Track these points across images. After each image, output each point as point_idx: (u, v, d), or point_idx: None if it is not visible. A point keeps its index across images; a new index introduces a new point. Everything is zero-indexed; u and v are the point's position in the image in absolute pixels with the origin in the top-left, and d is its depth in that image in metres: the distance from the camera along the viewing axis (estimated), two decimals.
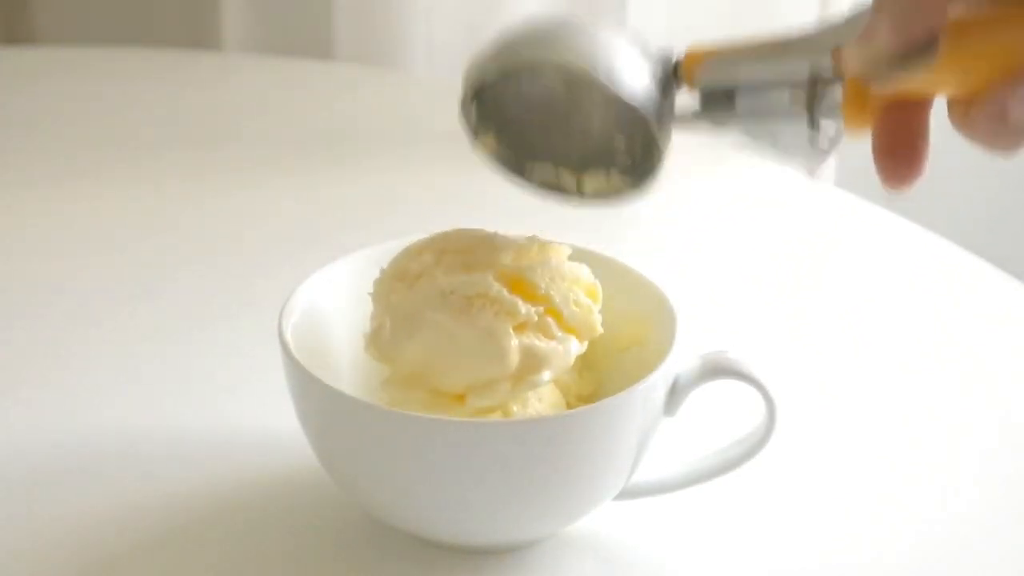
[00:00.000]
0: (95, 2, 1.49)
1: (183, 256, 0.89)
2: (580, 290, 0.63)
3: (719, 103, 0.58)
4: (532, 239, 0.65)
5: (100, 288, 0.86)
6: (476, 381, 0.61)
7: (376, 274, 0.65)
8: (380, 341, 0.63)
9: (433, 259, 0.63)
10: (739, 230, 0.95)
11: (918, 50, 0.51)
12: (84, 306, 0.84)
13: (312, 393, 0.62)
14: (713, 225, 0.96)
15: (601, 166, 0.62)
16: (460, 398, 0.62)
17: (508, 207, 0.96)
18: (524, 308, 0.61)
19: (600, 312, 0.64)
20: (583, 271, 0.64)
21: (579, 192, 0.63)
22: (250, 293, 0.85)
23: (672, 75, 0.58)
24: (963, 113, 0.52)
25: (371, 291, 0.64)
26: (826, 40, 0.56)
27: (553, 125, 0.62)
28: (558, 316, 0.62)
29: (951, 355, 0.83)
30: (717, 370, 0.64)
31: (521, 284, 0.62)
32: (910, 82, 0.53)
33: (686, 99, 0.59)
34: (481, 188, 0.98)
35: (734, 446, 0.65)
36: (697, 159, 1.06)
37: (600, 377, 0.68)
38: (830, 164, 1.30)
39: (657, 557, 0.66)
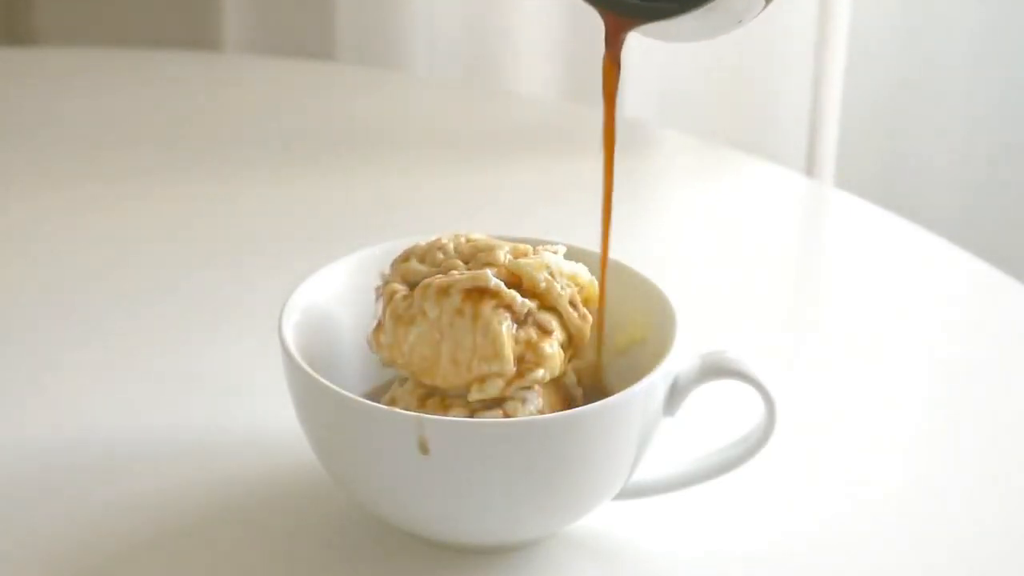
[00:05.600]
0: (95, 2, 1.49)
1: (182, 255, 0.89)
2: (577, 294, 0.63)
3: None
4: (530, 240, 0.65)
5: (97, 288, 0.85)
6: (476, 375, 0.61)
7: (376, 274, 0.65)
8: (381, 338, 0.63)
9: (435, 256, 0.63)
10: (739, 230, 0.95)
11: None
12: (81, 306, 0.84)
13: (312, 393, 0.62)
14: (713, 225, 0.96)
15: None
16: (460, 393, 0.62)
17: (508, 207, 0.97)
18: (523, 302, 0.61)
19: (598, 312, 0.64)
20: (581, 269, 0.64)
21: None
22: (250, 293, 0.85)
23: None
24: None
25: (374, 289, 0.64)
26: None
27: None
28: (557, 311, 0.62)
29: (951, 355, 0.83)
30: (717, 370, 0.64)
31: (520, 279, 0.62)
32: None
33: None
34: (481, 189, 0.99)
35: (734, 446, 0.65)
36: (697, 159, 1.06)
37: (600, 377, 0.68)
38: (830, 164, 1.30)
39: (657, 557, 0.66)
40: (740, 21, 0.60)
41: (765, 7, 0.60)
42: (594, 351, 0.68)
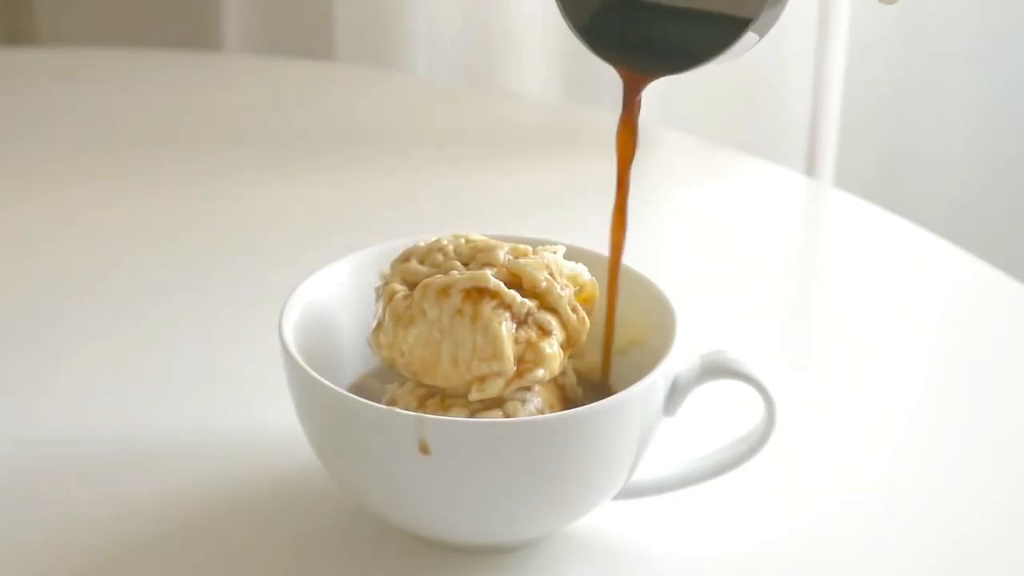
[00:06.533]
0: (95, 2, 1.49)
1: (182, 255, 0.89)
2: (576, 295, 0.63)
3: None
4: (530, 240, 0.65)
5: (98, 288, 0.86)
6: (476, 375, 0.61)
7: (376, 274, 0.65)
8: (381, 338, 0.63)
9: (435, 257, 0.63)
10: (739, 230, 0.95)
11: None
12: (81, 305, 0.84)
13: (312, 393, 0.62)
14: (713, 225, 0.96)
15: None
16: (460, 393, 0.62)
17: (508, 207, 0.97)
18: (523, 302, 0.61)
19: (598, 311, 0.64)
20: (581, 269, 0.64)
21: None
22: (250, 292, 0.85)
23: None
24: None
25: (374, 289, 0.64)
26: None
27: None
28: (556, 311, 0.62)
29: (951, 355, 0.83)
30: (717, 370, 0.64)
31: (520, 279, 0.62)
32: None
33: None
34: (481, 189, 0.99)
35: (734, 446, 0.65)
36: (697, 159, 1.06)
37: (602, 376, 0.68)
38: (830, 164, 1.30)
39: (657, 557, 0.66)
40: (745, 52, 0.62)
41: (760, 40, 0.62)
42: (598, 351, 0.68)
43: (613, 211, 0.66)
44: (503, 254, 0.63)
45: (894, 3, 0.59)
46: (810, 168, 1.29)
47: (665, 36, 0.63)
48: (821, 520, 0.68)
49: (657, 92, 1.31)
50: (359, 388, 0.67)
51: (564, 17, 0.63)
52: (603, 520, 0.66)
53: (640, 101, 0.65)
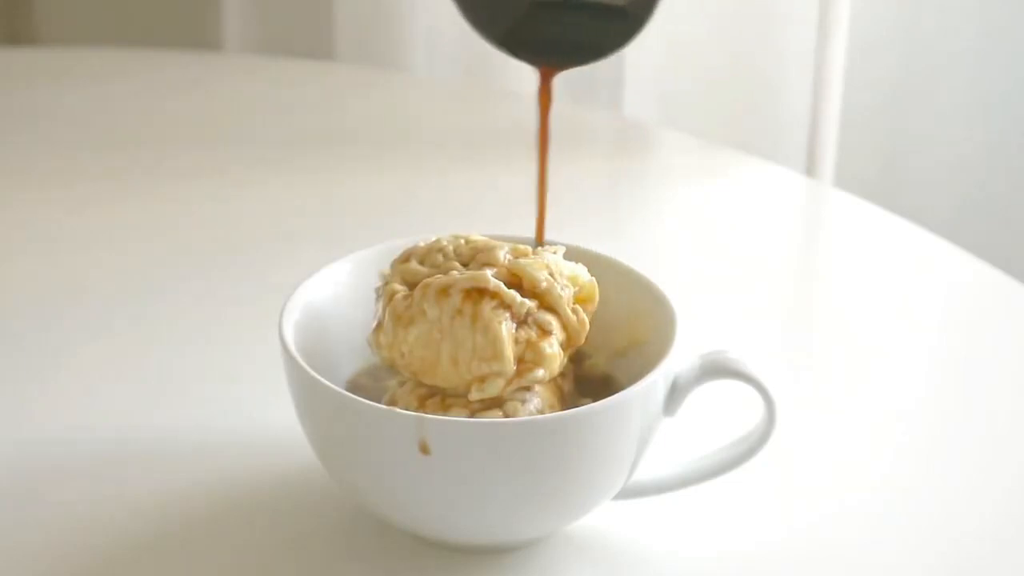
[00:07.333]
0: (95, 2, 1.49)
1: (182, 256, 0.89)
2: (574, 296, 0.63)
3: None
4: (530, 240, 0.65)
5: (98, 288, 0.86)
6: (476, 375, 0.61)
7: (376, 273, 0.66)
8: (381, 338, 0.63)
9: (434, 258, 0.63)
10: (739, 230, 0.95)
11: None
12: (82, 305, 0.84)
13: (312, 393, 0.62)
14: (713, 225, 0.96)
15: None
16: (460, 393, 0.62)
17: (507, 208, 0.96)
18: (522, 302, 0.61)
19: (598, 311, 0.64)
20: (581, 269, 0.64)
21: None
22: (250, 292, 0.85)
23: None
24: None
25: (374, 289, 0.64)
26: None
27: None
28: (556, 312, 0.62)
29: (951, 355, 0.83)
30: (717, 370, 0.64)
31: (520, 279, 0.62)
32: None
33: None
34: (481, 189, 0.99)
35: (734, 446, 0.65)
36: (697, 159, 1.06)
37: (598, 376, 0.68)
38: (830, 164, 1.30)
39: (657, 557, 0.66)
40: None
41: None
42: (599, 351, 0.68)
43: (538, 132, 0.70)
44: (503, 254, 0.63)
45: None
46: (810, 168, 1.29)
47: (571, 33, 0.66)
48: (821, 520, 0.68)
49: (657, 92, 1.32)
50: (352, 387, 0.67)
51: (481, 35, 0.66)
52: (603, 520, 0.66)
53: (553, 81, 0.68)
